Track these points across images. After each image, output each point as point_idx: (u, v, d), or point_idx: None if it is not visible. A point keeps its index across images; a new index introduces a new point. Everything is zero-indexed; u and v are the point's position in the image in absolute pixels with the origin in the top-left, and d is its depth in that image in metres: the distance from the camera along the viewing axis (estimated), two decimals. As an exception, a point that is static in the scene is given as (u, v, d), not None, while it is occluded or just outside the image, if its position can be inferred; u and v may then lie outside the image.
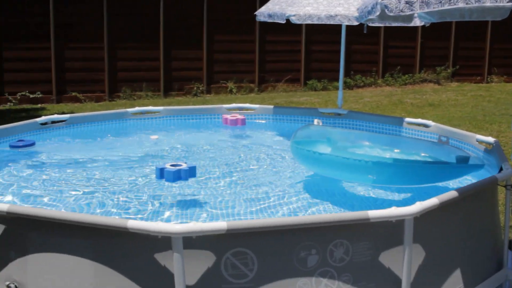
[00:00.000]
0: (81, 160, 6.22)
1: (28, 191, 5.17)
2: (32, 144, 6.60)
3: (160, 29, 14.70)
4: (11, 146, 6.53)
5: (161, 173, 4.88)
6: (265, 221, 3.34)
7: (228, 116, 7.77)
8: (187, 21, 15.05)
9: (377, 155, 5.12)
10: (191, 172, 4.94)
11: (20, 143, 6.57)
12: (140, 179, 5.51)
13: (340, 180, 5.26)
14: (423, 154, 5.33)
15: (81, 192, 5.10)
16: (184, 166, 4.91)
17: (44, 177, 5.58)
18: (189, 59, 15.23)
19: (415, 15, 5.61)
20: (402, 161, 5.10)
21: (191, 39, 15.14)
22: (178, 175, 4.85)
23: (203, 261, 3.34)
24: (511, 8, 4.94)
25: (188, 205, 4.83)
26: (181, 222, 4.21)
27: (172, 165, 4.93)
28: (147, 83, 14.80)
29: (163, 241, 3.26)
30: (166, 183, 5.14)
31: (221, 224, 3.23)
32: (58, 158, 6.28)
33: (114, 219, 3.41)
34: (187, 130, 7.60)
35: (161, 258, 3.34)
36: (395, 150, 5.36)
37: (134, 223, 3.27)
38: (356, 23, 6.46)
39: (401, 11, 3.86)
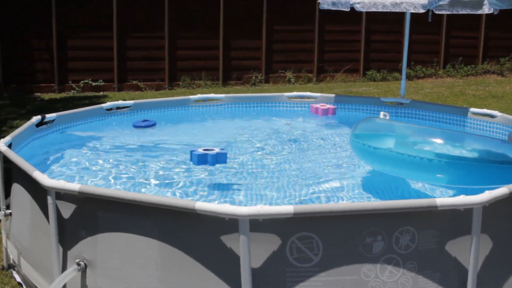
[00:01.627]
0: (143, 145, 6.38)
1: (97, 172, 5.33)
2: (154, 124, 6.92)
3: (220, 19, 14.79)
4: (134, 126, 6.89)
5: (191, 157, 5.13)
6: (332, 206, 3.34)
7: (318, 105, 7.68)
8: (246, 11, 15.09)
9: (447, 153, 4.79)
10: (219, 158, 5.07)
11: (143, 123, 6.92)
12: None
13: (402, 178, 5.05)
14: (494, 153, 4.99)
15: (138, 174, 5.25)
16: (215, 151, 5.08)
17: (110, 160, 5.74)
18: (248, 49, 15.28)
19: (486, 1, 5.48)
20: (477, 161, 4.79)
21: (250, 29, 15.18)
22: (205, 159, 5.03)
23: (269, 244, 3.36)
24: None
25: (248, 188, 4.91)
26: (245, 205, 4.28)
27: (205, 149, 5.12)
28: (206, 72, 14.93)
29: (230, 223, 3.30)
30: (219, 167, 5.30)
31: (288, 208, 3.25)
32: (123, 142, 6.45)
33: (182, 201, 3.47)
34: (249, 117, 7.67)
35: (227, 240, 3.39)
36: (467, 148, 5.00)
37: (202, 205, 3.33)
38: (422, 11, 6.34)
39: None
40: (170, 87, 14.67)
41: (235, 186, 5.02)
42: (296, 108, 7.88)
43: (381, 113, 5.71)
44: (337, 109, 7.64)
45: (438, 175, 4.59)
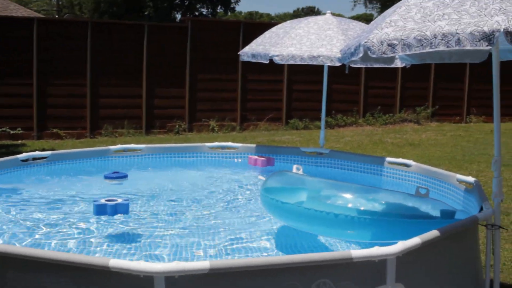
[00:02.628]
0: (56, 197, 6.19)
1: (7, 227, 5.11)
2: (125, 176, 6.68)
3: (143, 67, 14.78)
4: (106, 178, 6.64)
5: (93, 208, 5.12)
6: (248, 261, 3.32)
7: (256, 157, 7.65)
8: (170, 59, 15.15)
9: (356, 209, 4.71)
10: (120, 208, 5.07)
11: (114, 175, 6.67)
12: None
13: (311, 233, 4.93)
14: (403, 208, 4.88)
15: (52, 230, 5.07)
16: (116, 201, 5.09)
17: (21, 214, 5.52)
18: (171, 97, 15.30)
19: (397, 56, 5.71)
20: (386, 216, 4.72)
21: (174, 77, 15.23)
22: (104, 210, 5.03)
23: (186, 301, 3.29)
24: (489, 52, 5.06)
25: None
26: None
27: (107, 200, 5.12)
28: (129, 120, 14.80)
29: (145, 281, 3.22)
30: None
31: (204, 264, 3.20)
32: (36, 195, 6.24)
33: (95, 258, 3.36)
34: (168, 168, 7.60)
35: (143, 298, 3.30)
36: (377, 203, 4.90)
37: (116, 262, 3.23)
38: (338, 64, 6.56)
39: (384, 53, 3.94)
40: (92, 136, 14.43)
41: (147, 240, 4.91)
42: (218, 159, 7.88)
43: (294, 167, 5.57)
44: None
45: (348, 231, 4.54)
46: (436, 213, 4.65)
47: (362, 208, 4.68)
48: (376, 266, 3.49)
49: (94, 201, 5.14)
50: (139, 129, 14.93)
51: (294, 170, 5.47)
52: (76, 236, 4.94)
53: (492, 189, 4.35)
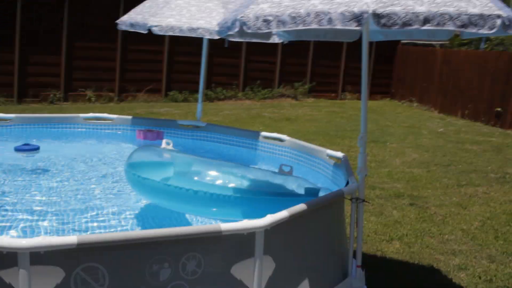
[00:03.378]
0: None
1: None
2: (37, 148, 6.59)
3: (16, 31, 14.01)
4: (16, 150, 6.54)
5: None
6: (116, 235, 3.28)
7: (145, 130, 7.47)
8: (45, 25, 14.47)
9: (221, 186, 4.68)
10: None
11: (25, 147, 6.60)
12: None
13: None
14: (266, 185, 4.86)
15: None
16: None
17: None
18: (46, 65, 14.65)
19: (274, 32, 5.79)
20: (253, 194, 4.70)
21: (49, 44, 14.57)
22: None
23: (52, 277, 3.20)
24: (360, 32, 5.26)
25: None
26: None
27: None
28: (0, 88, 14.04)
29: (9, 257, 3.10)
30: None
31: (71, 239, 3.13)
32: None
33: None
34: (41, 139, 7.30)
35: (7, 275, 3.17)
36: (241, 180, 4.83)
37: (-25, 238, 3.09)
38: (217, 37, 6.55)
39: (259, 28, 3.98)
40: (-44, 103, 13.57)
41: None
42: (92, 130, 7.67)
43: (163, 141, 5.42)
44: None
45: (212, 209, 4.55)
46: (300, 190, 4.74)
47: (226, 185, 4.66)
48: (245, 239, 3.57)
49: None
50: (10, 97, 14.20)
51: (163, 145, 5.34)
52: None
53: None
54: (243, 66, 17.16)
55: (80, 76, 15.05)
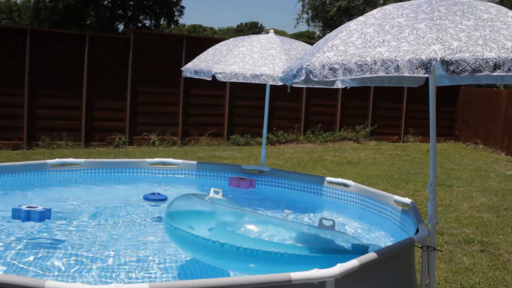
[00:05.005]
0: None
1: None
2: (165, 199, 6.77)
3: (84, 77, 14.54)
4: (145, 199, 6.80)
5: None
6: (186, 283, 3.29)
7: (237, 178, 7.56)
8: (111, 71, 14.96)
9: (266, 241, 4.39)
10: (43, 214, 5.56)
11: (153, 197, 6.83)
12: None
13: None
14: (315, 240, 4.53)
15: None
16: (39, 208, 5.59)
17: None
18: (112, 109, 15.09)
19: (338, 80, 5.82)
20: (298, 250, 4.38)
21: (115, 89, 15.04)
22: (28, 216, 5.55)
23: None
24: (426, 77, 5.22)
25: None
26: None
27: (28, 207, 5.63)
28: (68, 132, 14.51)
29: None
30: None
31: (143, 286, 3.16)
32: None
33: (31, 280, 3.27)
34: (107, 184, 7.48)
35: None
36: (287, 236, 4.52)
37: (52, 284, 3.15)
38: (280, 84, 6.63)
39: (325, 77, 4.00)
40: (28, 147, 14.07)
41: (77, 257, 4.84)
42: (157, 175, 7.81)
43: (212, 190, 5.22)
44: (202, 177, 7.68)
45: (250, 265, 4.33)
46: (348, 247, 4.47)
47: (269, 240, 4.42)
48: (314, 288, 3.53)
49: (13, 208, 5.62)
50: (78, 141, 14.64)
51: (211, 194, 5.15)
52: (11, 255, 4.81)
53: (427, 210, 4.46)
54: (304, 109, 17.23)
55: (144, 121, 15.41)
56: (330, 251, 4.41)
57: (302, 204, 7.04)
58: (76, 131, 14.66)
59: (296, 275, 3.44)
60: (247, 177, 7.64)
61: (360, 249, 4.42)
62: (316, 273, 3.47)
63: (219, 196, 5.18)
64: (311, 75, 4.09)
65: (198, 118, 16.00)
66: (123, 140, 15.07)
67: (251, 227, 4.58)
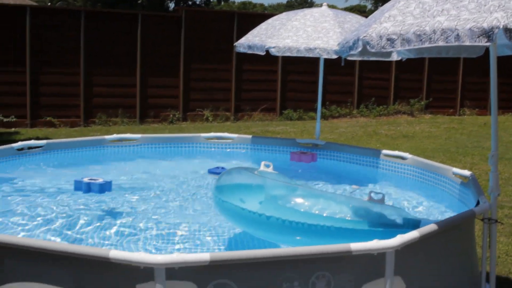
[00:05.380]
0: (52, 187, 6.20)
1: (4, 217, 5.11)
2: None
3: (137, 56, 14.73)
4: (210, 172, 6.87)
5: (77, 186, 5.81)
6: (248, 253, 3.34)
7: (298, 152, 7.51)
8: (164, 49, 15.11)
9: (316, 215, 4.35)
10: (103, 187, 5.70)
11: (217, 170, 6.87)
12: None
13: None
14: (367, 214, 4.44)
15: (52, 220, 5.08)
16: (99, 180, 5.75)
17: (18, 204, 5.51)
18: (165, 87, 15.26)
19: (394, 51, 5.73)
20: (350, 224, 4.33)
21: (168, 67, 15.19)
22: (88, 188, 5.72)
23: (186, 292, 3.31)
24: (486, 47, 5.08)
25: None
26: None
27: (89, 179, 5.80)
28: (123, 109, 14.76)
29: (145, 272, 3.23)
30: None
31: (204, 256, 3.22)
32: (31, 185, 6.24)
33: (95, 249, 3.38)
34: (164, 158, 7.61)
35: (143, 289, 3.31)
36: (338, 210, 4.43)
37: (116, 253, 3.24)
38: (335, 57, 6.57)
39: (383, 47, 3.95)
40: (85, 124, 14.39)
41: (142, 229, 4.95)
42: (213, 149, 7.89)
43: (262, 163, 5.16)
44: (257, 151, 7.71)
45: (297, 238, 4.31)
46: (399, 221, 4.39)
47: (320, 214, 4.36)
48: (375, 259, 3.52)
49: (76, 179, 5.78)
50: (133, 118, 14.90)
51: (262, 167, 5.11)
52: (73, 225, 4.96)
53: (486, 183, 4.38)
54: (357, 83, 17.04)
55: (198, 97, 15.54)
56: (381, 225, 4.35)
57: (357, 177, 7.00)
58: (131, 108, 14.91)
59: (356, 245, 3.44)
60: (309, 151, 7.57)
61: (411, 223, 4.34)
62: (376, 244, 3.47)
63: (270, 169, 5.20)
64: (368, 46, 4.05)
65: (251, 94, 16.02)
66: (177, 116, 15.25)
67: (300, 200, 4.56)
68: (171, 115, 15.17)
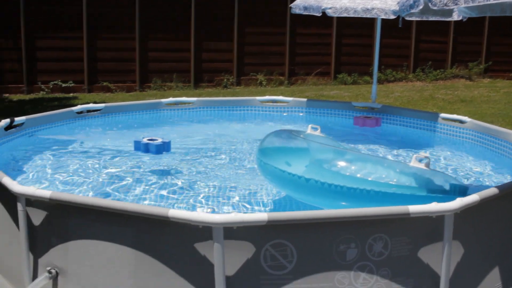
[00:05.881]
0: (111, 148, 6.34)
1: (67, 177, 5.26)
2: None
3: (191, 20, 14.74)
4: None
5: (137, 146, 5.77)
6: (305, 213, 3.34)
7: (362, 117, 7.37)
8: (218, 13, 15.07)
9: (361, 179, 4.24)
10: (161, 147, 5.64)
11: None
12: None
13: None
14: (414, 179, 4.30)
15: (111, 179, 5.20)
16: (158, 141, 5.70)
17: (78, 165, 5.66)
18: (219, 51, 15.25)
19: (455, 9, 5.55)
20: (396, 188, 4.21)
21: (222, 31, 15.16)
22: (147, 148, 5.67)
23: (243, 251, 3.35)
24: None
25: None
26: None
27: (149, 139, 5.76)
28: (178, 74, 14.86)
29: (204, 231, 3.28)
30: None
31: (262, 216, 3.24)
32: (91, 146, 6.39)
33: (155, 208, 3.43)
34: (219, 121, 7.67)
35: (201, 247, 3.36)
36: (383, 175, 4.31)
37: (175, 212, 3.30)
38: (393, 17, 6.42)
39: (445, 5, 3.82)
40: (141, 89, 14.57)
41: (202, 189, 5.02)
42: (268, 112, 7.88)
43: (309, 126, 5.07)
44: (312, 114, 7.66)
45: (342, 203, 4.23)
46: (446, 187, 4.22)
47: (365, 178, 4.24)
48: (433, 222, 3.47)
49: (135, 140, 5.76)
50: (188, 82, 14.99)
51: (309, 130, 5.01)
52: (132, 185, 5.07)
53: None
54: (413, 46, 16.65)
55: (251, 61, 15.49)
56: (427, 191, 4.21)
57: (414, 141, 6.88)
58: (185, 73, 14.99)
59: (414, 208, 3.40)
60: (373, 115, 7.39)
61: (458, 190, 4.19)
62: (435, 206, 3.42)
63: (318, 132, 5.11)
64: (430, 4, 3.92)
65: (305, 58, 15.87)
66: (231, 80, 15.27)
67: (344, 164, 4.45)
68: (225, 80, 15.20)
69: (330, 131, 6.86)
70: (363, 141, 6.77)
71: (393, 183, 4.23)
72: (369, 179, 4.22)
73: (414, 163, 4.33)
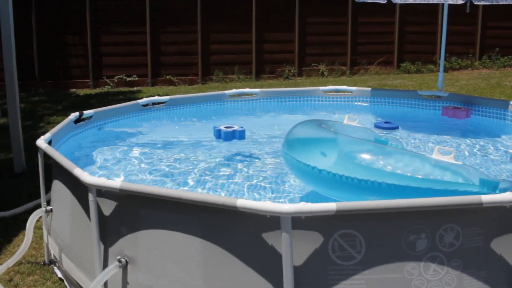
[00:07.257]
0: (177, 140, 6.43)
1: (136, 168, 5.37)
2: (397, 127, 6.63)
3: (253, 12, 14.77)
4: (376, 127, 6.70)
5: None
6: (375, 203, 3.29)
7: (451, 107, 7.09)
8: (279, 3, 15.04)
9: (389, 173, 4.08)
10: (235, 134, 5.91)
11: (386, 125, 6.68)
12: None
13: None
14: (442, 173, 4.12)
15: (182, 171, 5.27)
16: (235, 128, 6.00)
17: (146, 156, 5.77)
18: (280, 42, 15.23)
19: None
20: (426, 183, 4.04)
21: (283, 21, 15.12)
22: (220, 135, 5.99)
23: (311, 241, 3.34)
24: None
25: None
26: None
27: (226, 127, 6.04)
28: (239, 66, 14.93)
29: (272, 221, 3.28)
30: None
31: (330, 205, 3.21)
32: (158, 138, 6.50)
33: (223, 198, 3.46)
34: (283, 112, 7.66)
35: (269, 237, 3.37)
36: (412, 169, 4.11)
37: (243, 202, 3.31)
38: (461, 2, 6.24)
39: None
40: (203, 82, 14.72)
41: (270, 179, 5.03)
42: (331, 102, 7.82)
43: (346, 116, 4.87)
44: (377, 104, 7.56)
45: (369, 197, 4.06)
46: (475, 182, 4.02)
47: (393, 172, 4.08)
48: (507, 212, 3.37)
49: (215, 126, 6.00)
50: (249, 74, 15.04)
51: (346, 120, 4.82)
52: (201, 173, 5.14)
53: None
54: (480, 33, 16.17)
55: (313, 51, 15.40)
56: (454, 185, 4.03)
57: (482, 130, 6.68)
58: (247, 65, 15.04)
59: (487, 197, 3.30)
60: (462, 106, 7.08)
61: (488, 184, 3.97)
62: (509, 196, 3.31)
63: (355, 123, 4.94)
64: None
65: (367, 47, 15.66)
66: (292, 71, 15.23)
67: (371, 157, 4.28)
68: (287, 71, 15.17)
69: (414, 123, 6.75)
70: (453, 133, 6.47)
71: (421, 177, 4.07)
72: (397, 172, 4.07)
73: (436, 155, 4.18)
